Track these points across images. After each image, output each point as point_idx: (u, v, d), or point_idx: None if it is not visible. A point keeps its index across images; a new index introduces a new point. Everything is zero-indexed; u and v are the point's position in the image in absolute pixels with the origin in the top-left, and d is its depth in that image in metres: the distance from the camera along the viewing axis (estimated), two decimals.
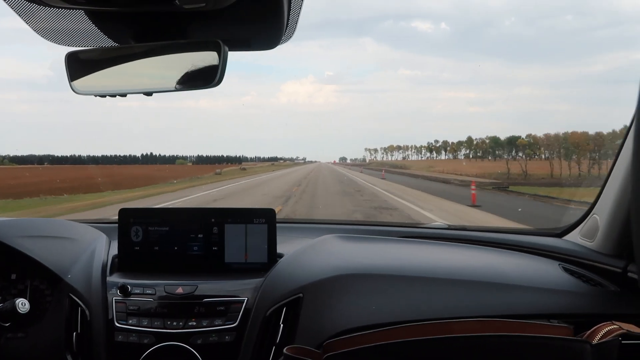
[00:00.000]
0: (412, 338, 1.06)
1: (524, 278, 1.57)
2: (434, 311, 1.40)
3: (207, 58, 1.28)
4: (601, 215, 1.63)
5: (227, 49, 1.25)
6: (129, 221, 1.60)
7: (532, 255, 1.79)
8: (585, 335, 1.07)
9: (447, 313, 1.39)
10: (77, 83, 1.36)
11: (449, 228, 2.16)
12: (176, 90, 1.34)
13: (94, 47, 1.39)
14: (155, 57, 1.34)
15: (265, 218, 1.61)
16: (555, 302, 1.48)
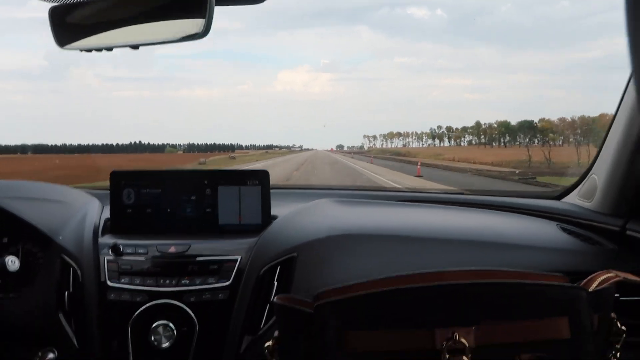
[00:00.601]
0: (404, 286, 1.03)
1: (521, 238, 1.55)
2: (430, 269, 1.38)
3: (193, 8, 1.26)
4: (599, 175, 1.61)
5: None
6: (121, 183, 1.58)
7: (529, 217, 1.77)
8: (582, 283, 1.04)
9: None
10: (61, 38, 1.34)
11: (447, 192, 2.13)
12: (163, 42, 1.32)
13: (78, 2, 1.36)
14: (141, 9, 1.31)
15: (259, 179, 1.59)
16: (553, 260, 1.46)
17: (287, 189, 2.19)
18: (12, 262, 1.36)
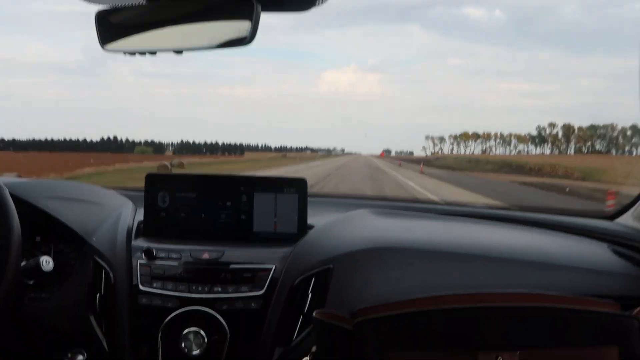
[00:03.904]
0: (449, 306, 1.02)
1: (569, 259, 1.50)
2: (472, 288, 1.36)
3: (239, 15, 1.27)
4: None
5: (259, 6, 1.24)
6: (156, 186, 1.60)
7: (579, 237, 1.71)
8: (635, 312, 1.02)
9: (487, 290, 1.34)
10: (106, 41, 1.36)
11: (490, 207, 2.09)
12: (207, 48, 1.33)
13: (124, 4, 1.39)
14: (186, 14, 1.33)
15: (296, 187, 1.59)
16: (603, 284, 1.42)
17: (323, 197, 2.18)
18: (47, 263, 1.38)
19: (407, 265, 1.43)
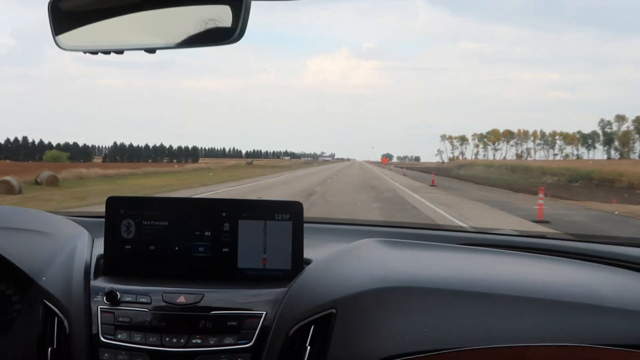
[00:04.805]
0: None
1: (621, 299, 1.32)
2: (504, 337, 1.19)
3: (225, 5, 1.09)
4: None
5: None
6: (119, 212, 1.41)
7: (632, 272, 1.51)
8: None
9: (520, 339, 1.18)
10: (63, 37, 1.21)
11: (522, 235, 1.88)
12: (185, 46, 1.15)
13: None
14: (159, 5, 1.14)
15: (290, 213, 1.41)
16: None
17: (321, 223, 1.98)
18: None
19: (425, 308, 1.27)
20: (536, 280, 1.41)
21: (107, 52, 1.16)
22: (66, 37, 1.15)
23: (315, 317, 1.24)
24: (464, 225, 10.02)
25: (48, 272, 1.34)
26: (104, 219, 1.41)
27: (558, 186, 23.41)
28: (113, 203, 1.41)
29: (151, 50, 1.15)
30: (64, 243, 1.48)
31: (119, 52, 1.16)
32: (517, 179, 27.00)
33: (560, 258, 1.60)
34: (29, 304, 1.31)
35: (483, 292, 1.30)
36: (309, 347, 1.21)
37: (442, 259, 1.55)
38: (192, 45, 1.13)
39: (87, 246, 1.47)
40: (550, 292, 1.31)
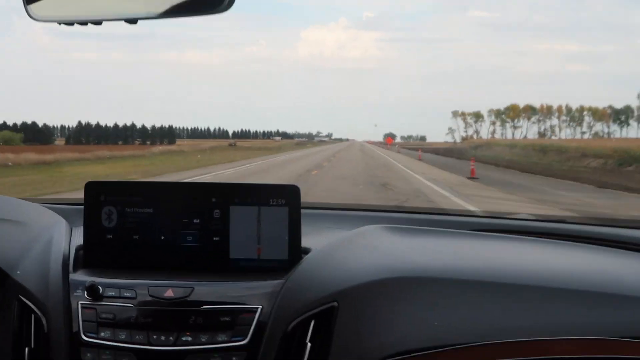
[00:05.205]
0: None
1: None
2: (523, 330, 1.13)
3: None
4: None
5: None
6: (99, 199, 1.34)
7: None
8: None
9: (541, 333, 1.12)
10: (35, 6, 1.12)
11: (541, 219, 1.82)
12: (169, 15, 1.08)
13: None
14: None
15: (285, 198, 1.33)
16: None
17: (321, 208, 1.92)
18: None
19: (435, 300, 1.21)
20: (556, 268, 1.35)
21: (84, 23, 1.08)
22: (39, 7, 1.08)
23: (315, 311, 1.19)
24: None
25: (23, 265, 1.28)
26: (82, 207, 1.34)
27: (606, 170, 19.83)
28: (92, 188, 1.34)
29: (132, 21, 1.07)
30: (39, 233, 1.41)
31: (97, 22, 1.08)
32: (550, 163, 23.93)
33: (582, 244, 1.55)
34: (2, 300, 1.24)
35: (498, 282, 1.25)
36: (309, 344, 1.17)
37: (453, 247, 1.49)
38: (178, 15, 1.06)
39: (65, 236, 1.41)
40: (571, 281, 1.25)
